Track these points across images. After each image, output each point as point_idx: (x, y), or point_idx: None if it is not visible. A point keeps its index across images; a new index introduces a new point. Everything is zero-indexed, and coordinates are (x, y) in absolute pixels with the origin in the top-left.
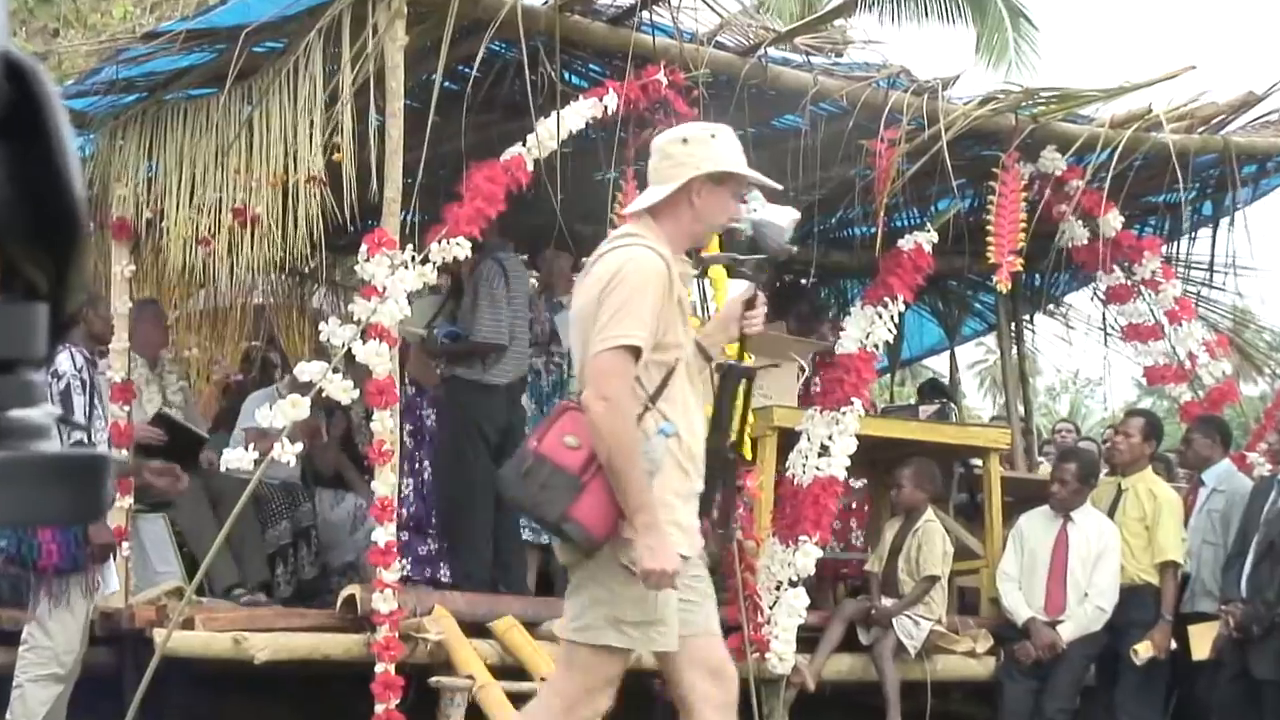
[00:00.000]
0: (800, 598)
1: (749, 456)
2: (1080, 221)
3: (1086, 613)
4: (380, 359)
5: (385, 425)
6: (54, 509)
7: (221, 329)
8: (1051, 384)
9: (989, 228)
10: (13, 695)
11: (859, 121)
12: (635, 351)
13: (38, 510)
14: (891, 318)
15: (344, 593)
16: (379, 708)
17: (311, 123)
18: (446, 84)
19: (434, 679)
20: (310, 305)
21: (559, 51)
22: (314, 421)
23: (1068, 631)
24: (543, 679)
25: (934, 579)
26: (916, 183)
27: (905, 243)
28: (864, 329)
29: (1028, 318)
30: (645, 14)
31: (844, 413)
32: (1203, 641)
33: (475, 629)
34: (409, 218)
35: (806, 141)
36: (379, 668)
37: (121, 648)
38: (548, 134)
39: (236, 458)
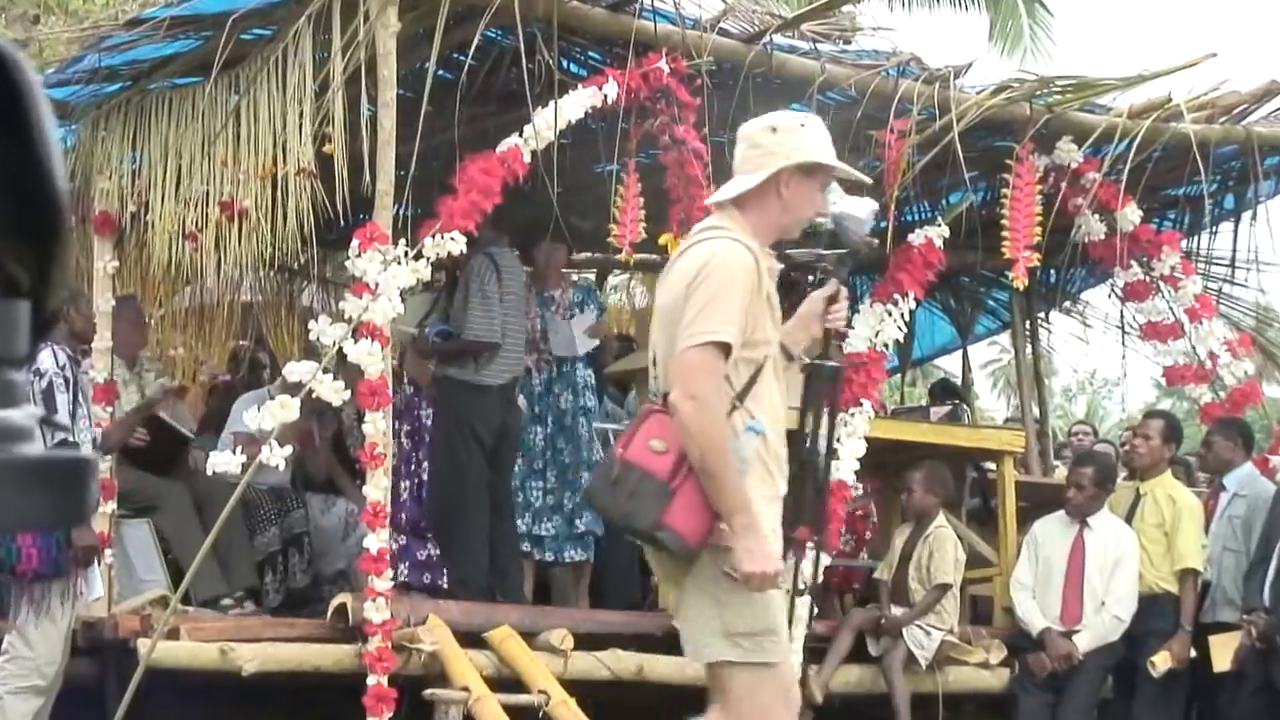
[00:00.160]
0: (806, 606)
1: None
2: (1097, 215)
3: (1104, 622)
4: (372, 359)
5: (378, 427)
6: (36, 513)
7: (208, 328)
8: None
9: (1003, 222)
10: None
11: (867, 111)
12: (725, 349)
13: (19, 515)
14: (901, 315)
15: (335, 602)
16: None
17: (301, 113)
18: (440, 72)
19: (428, 691)
20: (300, 303)
21: (557, 38)
22: (305, 426)
23: (1084, 642)
24: (541, 691)
25: (946, 587)
26: (927, 175)
27: (916, 237)
28: (873, 327)
29: (1043, 315)
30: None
31: (852, 414)
32: (1224, 652)
33: (471, 639)
34: (402, 211)
35: None
36: (371, 680)
37: (104, 659)
38: (545, 124)
39: (223, 461)
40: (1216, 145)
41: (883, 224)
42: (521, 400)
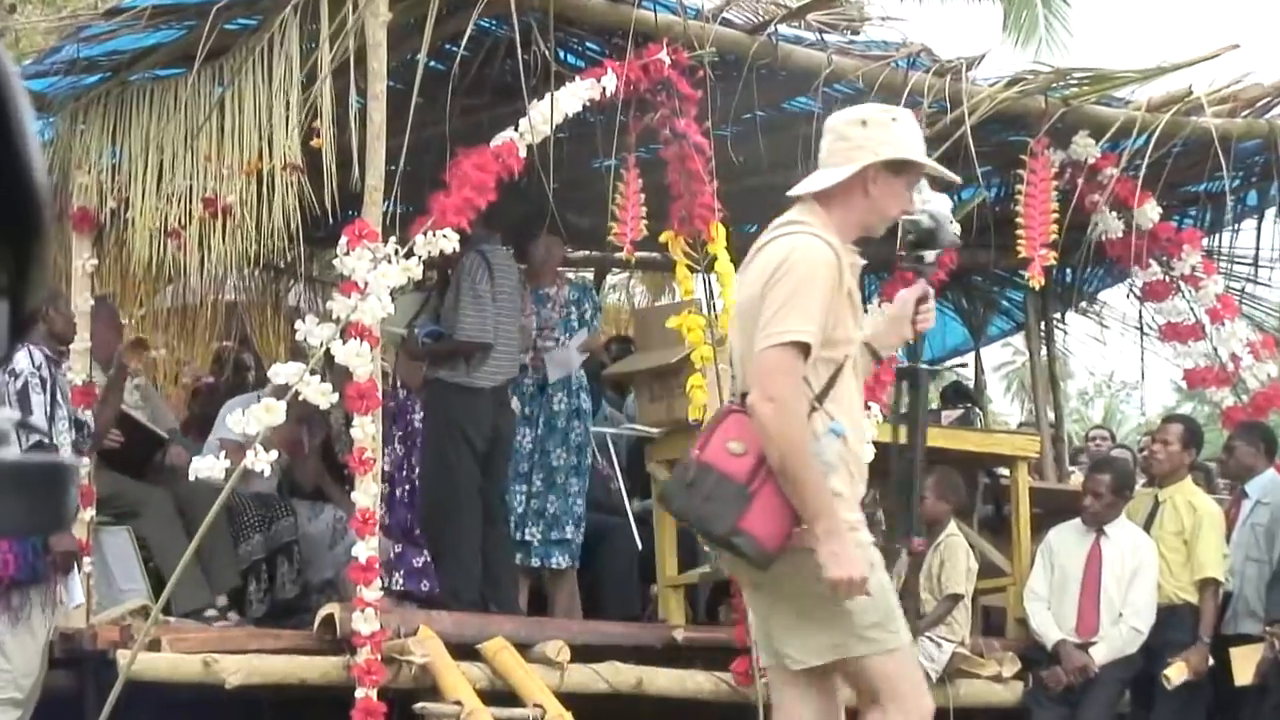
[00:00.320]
0: None
1: None
2: (1115, 212)
3: (1121, 634)
4: (361, 360)
5: (367, 431)
6: (13, 519)
7: (191, 328)
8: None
9: (1017, 219)
10: None
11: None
12: (804, 348)
13: None
14: None
15: (322, 612)
16: None
17: (287, 105)
18: (432, 64)
19: (419, 705)
20: (286, 302)
21: (553, 28)
22: (294, 433)
23: (1100, 654)
24: (536, 705)
25: (957, 598)
26: None
27: None
28: None
29: (1058, 316)
30: None
31: None
32: (1246, 665)
33: (463, 651)
34: (392, 208)
35: (820, 126)
36: (359, 693)
37: (83, 671)
38: (541, 118)
39: (207, 466)
40: (1239, 140)
41: None
42: (515, 403)
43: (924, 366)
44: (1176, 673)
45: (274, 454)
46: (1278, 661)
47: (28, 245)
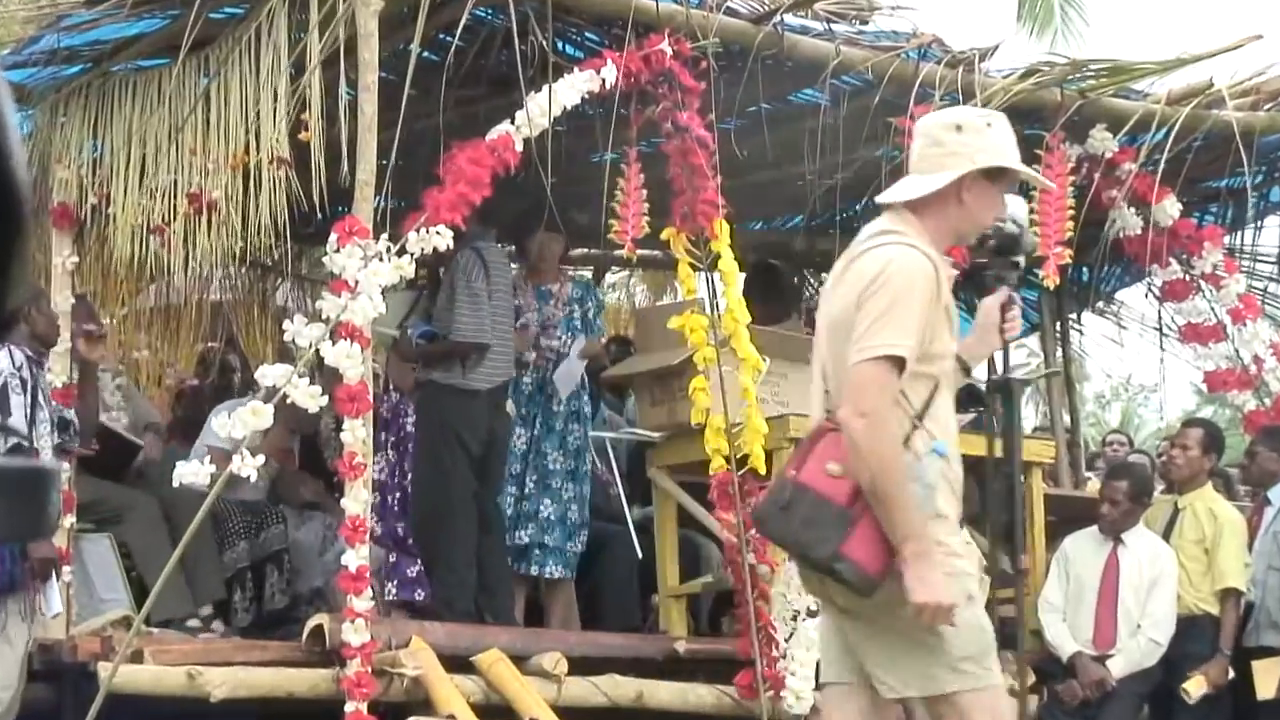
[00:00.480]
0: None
1: (762, 470)
2: (1133, 209)
3: (1139, 646)
4: (352, 362)
5: (357, 436)
6: None
7: (175, 328)
8: (1101, 391)
9: (1033, 216)
10: None
11: (886, 97)
12: (899, 363)
13: None
14: None
15: (311, 622)
16: None
17: (275, 97)
18: (425, 54)
19: (411, 719)
20: (274, 302)
21: (551, 18)
22: (285, 442)
23: (1118, 667)
24: (532, 719)
25: None
26: None
27: None
28: None
29: (1074, 316)
30: None
31: None
32: (1268, 679)
33: (457, 663)
34: (383, 204)
35: (827, 119)
36: (349, 706)
37: (62, 683)
38: (539, 111)
39: (191, 472)
40: (1261, 134)
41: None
42: (510, 406)
43: (1015, 377)
44: (1196, 686)
45: (260, 459)
46: None
47: (7, 242)
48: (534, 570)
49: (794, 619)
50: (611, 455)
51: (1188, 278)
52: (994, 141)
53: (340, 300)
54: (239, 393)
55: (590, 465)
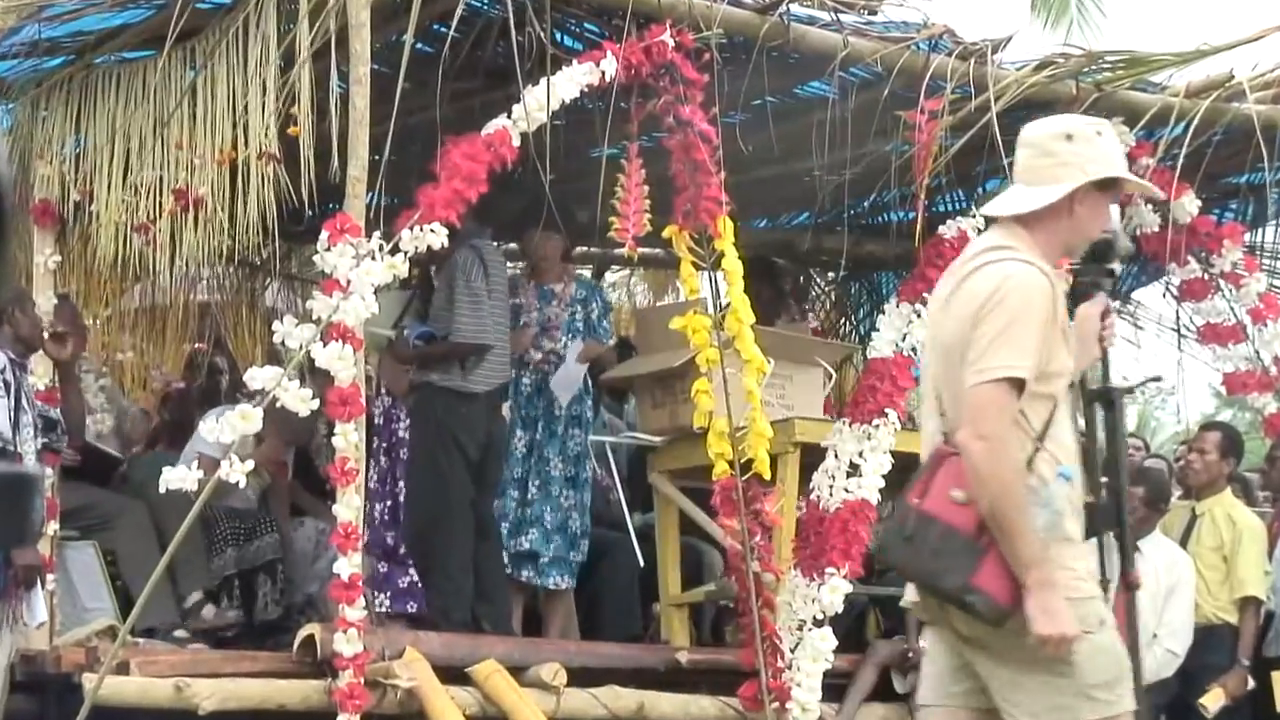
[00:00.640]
0: (826, 639)
1: (766, 475)
2: (1150, 205)
3: (1155, 656)
4: (344, 364)
5: (349, 440)
6: None
7: (161, 329)
8: None
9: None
10: None
11: (895, 90)
12: (1018, 384)
13: None
14: None
15: (302, 633)
16: None
17: (264, 90)
18: (419, 46)
19: None
20: (263, 302)
21: (549, 8)
22: (279, 453)
23: None
24: None
25: None
26: (961, 160)
27: (948, 229)
28: (900, 329)
29: None
30: None
31: (877, 426)
32: None
33: (453, 674)
34: (376, 200)
35: (835, 112)
36: (342, 719)
37: (45, 695)
38: (537, 104)
39: (179, 476)
40: None
41: (911, 214)
42: (506, 409)
43: (1117, 386)
44: (1213, 699)
45: (250, 464)
46: None
47: None
48: (535, 580)
49: (800, 628)
50: (611, 460)
51: (1206, 276)
52: (1104, 151)
53: (331, 300)
54: (227, 395)
55: (590, 471)
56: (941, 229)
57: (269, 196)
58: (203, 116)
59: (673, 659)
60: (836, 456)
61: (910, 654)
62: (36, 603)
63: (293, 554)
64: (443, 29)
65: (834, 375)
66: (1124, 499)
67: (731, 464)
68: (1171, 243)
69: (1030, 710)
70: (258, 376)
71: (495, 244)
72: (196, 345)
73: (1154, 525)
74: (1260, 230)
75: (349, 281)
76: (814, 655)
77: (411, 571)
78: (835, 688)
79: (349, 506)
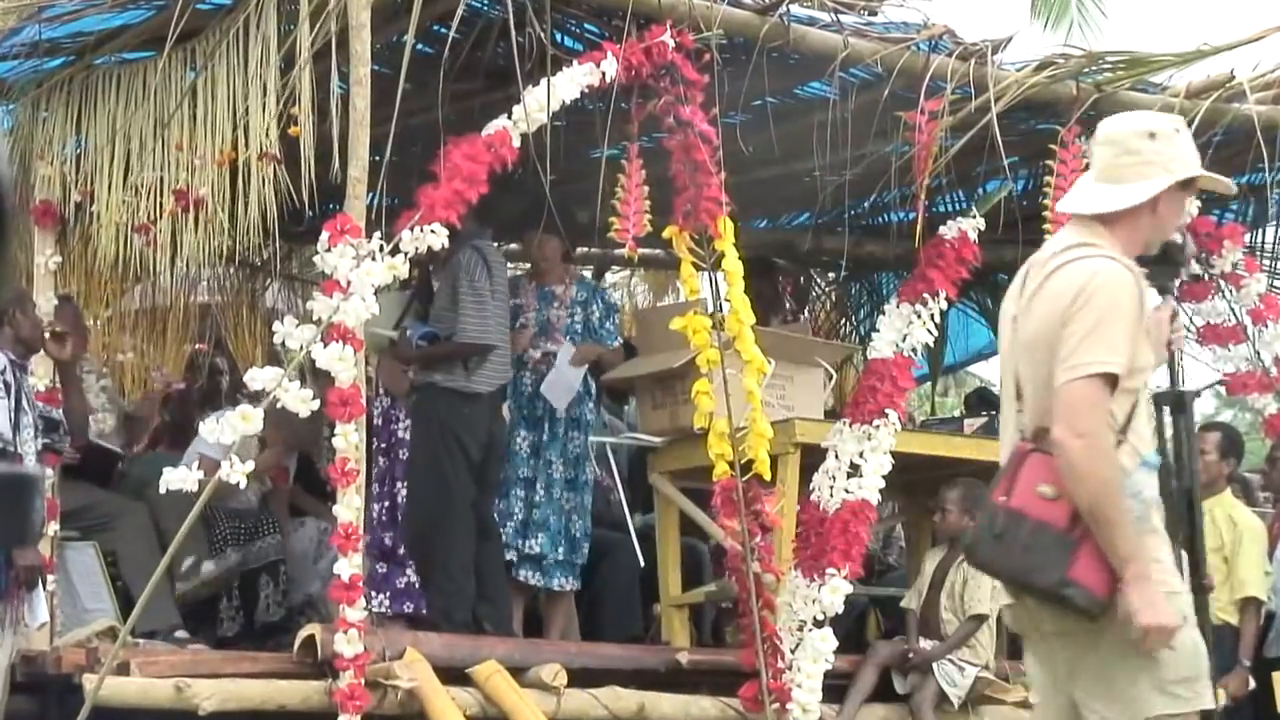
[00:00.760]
0: (827, 640)
1: (767, 476)
2: None
3: None
4: (344, 364)
5: (350, 440)
6: None
7: (161, 330)
8: None
9: (1045, 213)
10: None
11: (895, 90)
12: (1111, 380)
13: None
14: (932, 317)
15: (302, 633)
16: None
17: (264, 91)
18: (420, 46)
19: None
20: (263, 303)
21: (550, 9)
22: (282, 461)
23: None
24: None
25: (981, 618)
26: (962, 161)
27: (948, 230)
28: (900, 330)
29: None
30: None
31: (878, 426)
32: None
33: (453, 675)
34: (376, 201)
35: (835, 113)
36: (342, 719)
37: (46, 696)
38: (537, 105)
39: (179, 477)
40: None
41: (912, 215)
42: (505, 409)
43: (1187, 389)
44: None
45: (249, 464)
46: None
47: None
48: (539, 582)
49: (800, 629)
50: (612, 461)
51: (1207, 277)
52: (1185, 149)
53: (332, 301)
54: (228, 396)
55: (591, 472)
56: (942, 229)
57: (269, 197)
58: (203, 117)
59: (673, 660)
60: (837, 457)
61: (911, 655)
62: (38, 604)
63: (293, 555)
64: (443, 30)
65: (834, 376)
66: (1196, 501)
67: (732, 465)
68: None
69: (1108, 702)
70: (258, 377)
71: (496, 245)
72: (197, 346)
73: None
74: (1260, 231)
75: (349, 282)
76: (814, 656)
77: (409, 572)
78: (836, 688)
79: (349, 507)
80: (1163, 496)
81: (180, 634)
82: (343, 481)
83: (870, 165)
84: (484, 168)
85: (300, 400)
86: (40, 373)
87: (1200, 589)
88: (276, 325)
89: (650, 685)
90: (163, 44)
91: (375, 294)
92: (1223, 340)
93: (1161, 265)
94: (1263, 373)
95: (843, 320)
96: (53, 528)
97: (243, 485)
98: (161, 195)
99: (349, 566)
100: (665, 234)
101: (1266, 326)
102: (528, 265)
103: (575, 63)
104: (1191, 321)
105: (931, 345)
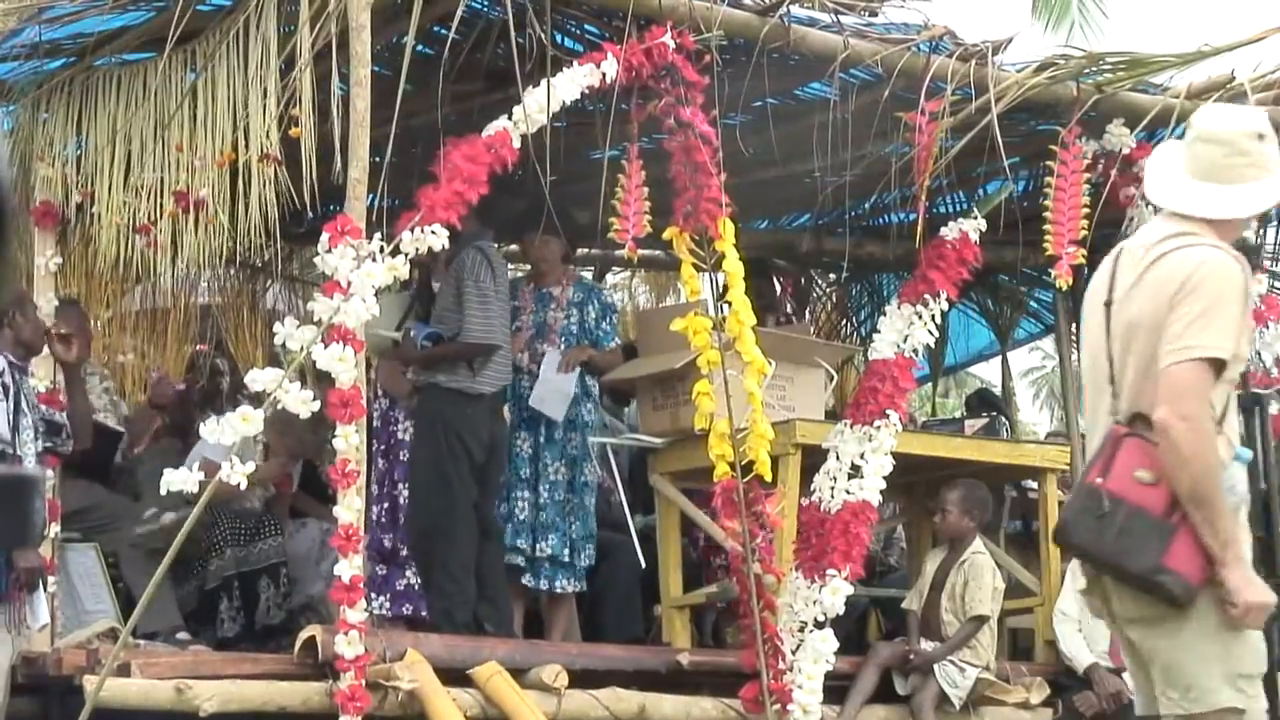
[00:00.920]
0: (827, 641)
1: (768, 477)
2: (1151, 207)
3: None
4: (344, 365)
5: (350, 442)
6: None
7: (162, 331)
8: None
9: (1046, 214)
10: None
11: (896, 91)
12: (1217, 366)
13: None
14: (933, 318)
15: (303, 634)
16: None
17: (264, 92)
18: (420, 47)
19: None
20: (264, 304)
21: (550, 10)
22: (285, 467)
23: None
24: None
25: (982, 619)
26: (962, 162)
27: (949, 231)
28: (901, 331)
29: None
30: None
31: (879, 427)
32: None
33: (454, 676)
34: (377, 202)
35: (836, 114)
36: None
37: (47, 697)
38: (537, 106)
39: (180, 479)
40: None
41: (912, 216)
42: (506, 411)
43: (1266, 391)
44: None
45: (250, 465)
46: None
47: None
48: (542, 585)
49: (801, 630)
50: (613, 461)
51: None
52: (1275, 149)
53: (332, 302)
54: (228, 397)
55: (592, 473)
56: (942, 230)
57: (270, 198)
58: (203, 119)
59: (674, 661)
60: (838, 458)
61: (912, 656)
62: (39, 605)
63: (295, 556)
64: (443, 31)
65: (835, 377)
66: (1274, 502)
67: (733, 465)
68: None
69: (1183, 691)
70: (259, 379)
71: (497, 246)
72: (198, 347)
73: None
74: (1261, 232)
75: (350, 283)
76: (815, 657)
77: (409, 574)
78: (836, 689)
79: (349, 508)
80: (1258, 494)
81: (181, 635)
82: (343, 483)
83: (871, 166)
84: (484, 169)
85: (301, 402)
86: (41, 374)
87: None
88: (277, 326)
89: (651, 686)
90: (163, 45)
91: (376, 295)
92: None
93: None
94: (1264, 374)
95: (843, 321)
96: (54, 529)
97: (243, 487)
98: (162, 196)
99: (349, 568)
100: (666, 235)
101: (1267, 327)
102: (526, 267)
103: (575, 64)
104: None
105: (932, 346)
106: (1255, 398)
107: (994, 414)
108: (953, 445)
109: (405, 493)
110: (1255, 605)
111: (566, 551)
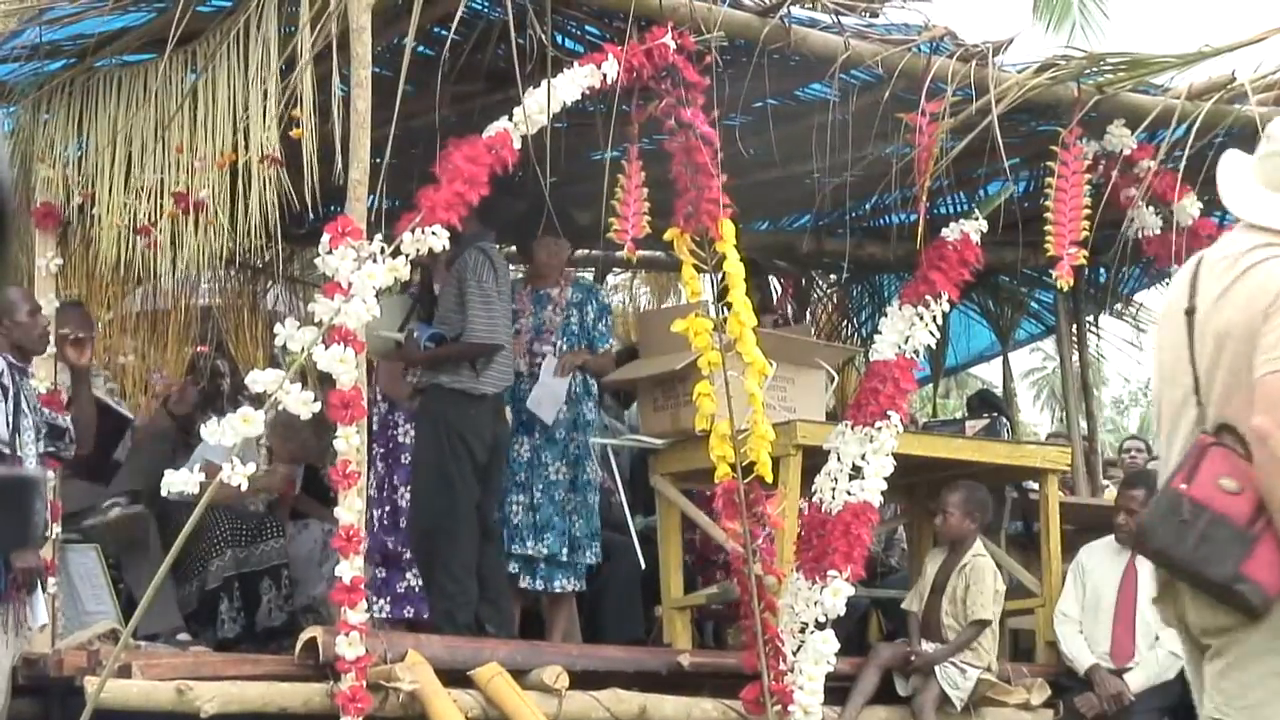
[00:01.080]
0: (828, 642)
1: (769, 478)
2: (1152, 208)
3: (1158, 659)
4: (345, 367)
5: (351, 443)
6: None
7: (162, 332)
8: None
9: (1047, 215)
10: None
11: (896, 92)
12: None
13: None
14: (934, 319)
15: (304, 636)
16: None
17: (265, 94)
18: (420, 48)
19: None
20: (264, 305)
21: (550, 11)
22: (290, 473)
23: (1137, 681)
24: None
25: (984, 624)
26: (963, 163)
27: (950, 232)
28: (902, 332)
29: (1091, 319)
30: None
31: (879, 428)
32: None
33: (455, 677)
34: (377, 203)
35: (836, 115)
36: None
37: (48, 699)
38: (537, 107)
39: (181, 480)
40: None
41: (913, 217)
42: (507, 412)
43: None
44: None
45: (251, 466)
46: None
47: None
48: (540, 585)
49: (802, 631)
50: (614, 462)
51: None
52: None
53: (333, 303)
54: (229, 398)
55: (593, 473)
56: (943, 231)
57: (270, 199)
58: (204, 120)
59: (675, 662)
60: (839, 459)
61: (913, 657)
62: (39, 606)
63: (297, 558)
64: (443, 32)
65: (836, 378)
66: None
67: (733, 466)
68: (1174, 245)
69: (1241, 703)
70: (259, 380)
71: (498, 247)
72: (198, 348)
73: None
74: None
75: (350, 284)
76: (816, 658)
77: (409, 576)
78: (837, 690)
79: (350, 510)
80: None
81: (182, 636)
82: (344, 484)
83: (871, 167)
84: (484, 170)
85: (301, 403)
86: (41, 375)
87: None
88: (278, 328)
89: (652, 687)
90: (163, 46)
91: (377, 297)
92: None
93: None
94: None
95: (844, 322)
96: (54, 530)
97: (243, 488)
98: (162, 197)
99: (350, 569)
100: (666, 236)
101: None
102: (525, 268)
103: (576, 64)
104: None
105: (933, 347)
106: None
107: (995, 415)
108: (954, 446)
109: (406, 496)
110: None
111: (565, 551)
